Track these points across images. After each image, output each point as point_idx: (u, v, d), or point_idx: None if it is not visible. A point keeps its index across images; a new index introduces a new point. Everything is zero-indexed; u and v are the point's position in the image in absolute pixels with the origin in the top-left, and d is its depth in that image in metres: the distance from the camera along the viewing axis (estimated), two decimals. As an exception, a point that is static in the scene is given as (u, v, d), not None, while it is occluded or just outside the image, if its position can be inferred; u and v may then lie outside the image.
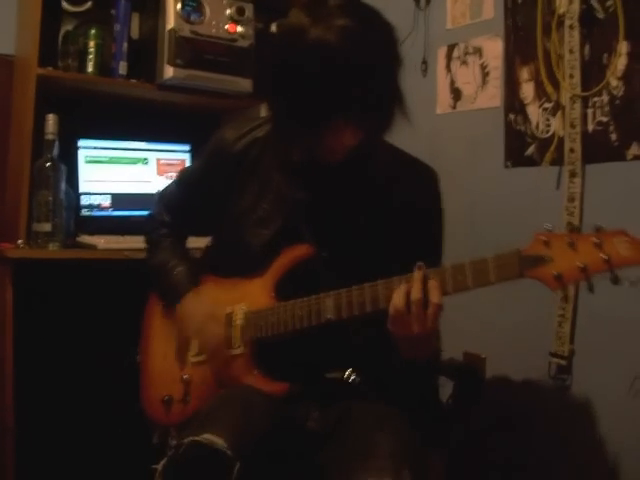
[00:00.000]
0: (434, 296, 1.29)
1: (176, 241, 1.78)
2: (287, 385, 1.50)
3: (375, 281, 1.37)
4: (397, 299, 1.31)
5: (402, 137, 1.71)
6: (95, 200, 2.53)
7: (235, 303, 1.60)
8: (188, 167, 1.80)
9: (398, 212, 1.54)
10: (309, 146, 1.46)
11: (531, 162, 1.96)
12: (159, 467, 1.36)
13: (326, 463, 1.41)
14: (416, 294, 1.30)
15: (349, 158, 1.45)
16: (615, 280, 1.14)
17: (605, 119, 1.77)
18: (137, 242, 2.29)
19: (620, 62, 1.73)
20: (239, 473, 1.27)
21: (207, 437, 1.30)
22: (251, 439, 1.34)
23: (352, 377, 1.54)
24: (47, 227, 2.16)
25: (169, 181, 2.67)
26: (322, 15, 1.34)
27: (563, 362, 1.85)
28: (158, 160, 2.71)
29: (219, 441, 1.29)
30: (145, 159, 2.68)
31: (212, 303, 1.63)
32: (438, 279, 1.30)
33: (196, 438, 1.31)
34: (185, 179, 1.81)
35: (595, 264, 1.14)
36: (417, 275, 1.31)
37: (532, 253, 1.21)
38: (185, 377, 1.63)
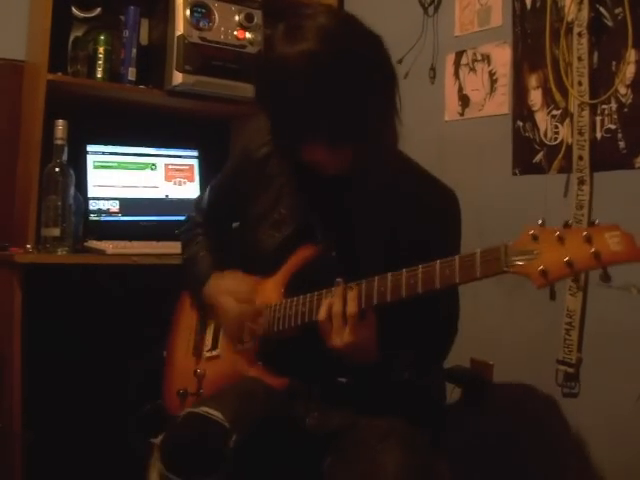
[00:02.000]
0: (350, 307, 1.34)
1: (207, 238, 1.83)
2: (287, 380, 1.53)
3: None
4: (321, 312, 1.38)
5: (410, 143, 1.71)
6: (104, 205, 2.54)
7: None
8: (219, 173, 1.86)
9: (409, 227, 1.54)
10: (298, 159, 1.47)
11: (539, 169, 1.96)
12: (157, 441, 1.41)
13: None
14: (336, 307, 1.36)
15: (352, 170, 1.47)
16: (605, 278, 1.07)
17: (613, 127, 1.77)
18: (145, 247, 2.31)
19: (629, 70, 1.73)
20: (236, 445, 1.31)
21: (204, 409, 1.36)
22: (249, 419, 1.38)
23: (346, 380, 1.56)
24: (56, 232, 2.16)
25: (177, 187, 2.72)
26: (294, 35, 1.34)
27: (571, 370, 1.85)
28: (166, 165, 2.72)
29: (216, 413, 1.34)
30: (153, 164, 2.69)
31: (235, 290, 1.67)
32: (357, 290, 1.35)
33: (194, 410, 1.37)
34: (215, 184, 1.86)
35: (583, 259, 1.07)
36: (337, 290, 1.38)
37: (519, 247, 1.14)
38: (199, 371, 1.68)
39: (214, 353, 1.69)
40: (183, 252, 1.85)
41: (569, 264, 1.08)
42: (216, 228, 1.85)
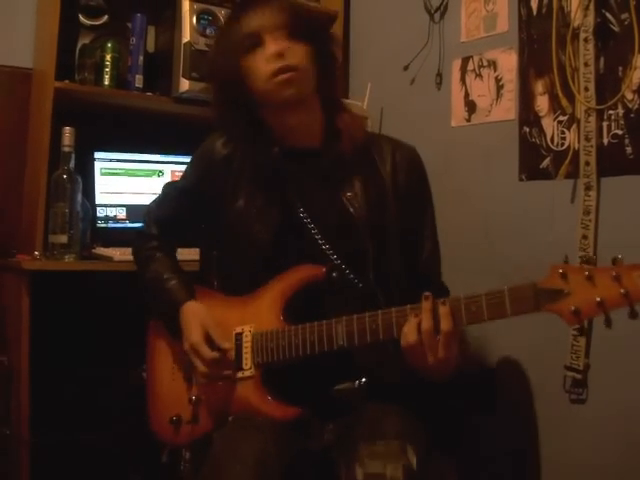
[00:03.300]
0: (445, 324, 1.29)
1: (166, 254, 1.79)
2: (299, 410, 1.48)
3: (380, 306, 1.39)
4: (409, 333, 1.32)
5: (417, 149, 1.72)
6: (111, 212, 2.55)
7: (244, 323, 1.58)
8: (174, 182, 1.84)
9: (390, 194, 1.57)
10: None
11: (546, 175, 1.96)
12: None
13: (336, 454, 1.44)
14: (426, 324, 1.30)
15: (326, 140, 1.58)
16: (633, 315, 1.12)
17: (620, 132, 1.77)
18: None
19: (635, 75, 1.73)
20: None
21: None
22: None
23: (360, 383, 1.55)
24: (63, 239, 2.17)
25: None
26: None
27: (578, 376, 1.84)
28: (173, 172, 2.72)
29: None
30: (160, 171, 2.70)
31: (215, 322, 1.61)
32: (449, 306, 1.30)
33: None
34: (173, 193, 1.83)
35: (613, 298, 1.13)
36: (425, 305, 1.31)
37: (549, 286, 1.20)
38: (193, 398, 1.62)
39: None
40: (141, 268, 1.80)
41: (600, 304, 1.14)
42: (174, 239, 1.82)
